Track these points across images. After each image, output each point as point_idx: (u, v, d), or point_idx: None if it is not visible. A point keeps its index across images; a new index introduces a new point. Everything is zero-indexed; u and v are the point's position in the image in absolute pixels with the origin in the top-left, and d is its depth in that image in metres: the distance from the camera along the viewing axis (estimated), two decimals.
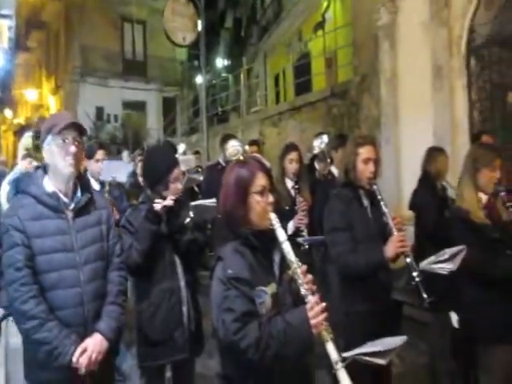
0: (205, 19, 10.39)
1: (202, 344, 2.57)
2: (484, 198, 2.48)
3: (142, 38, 19.70)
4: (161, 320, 2.40)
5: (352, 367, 1.47)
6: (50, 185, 1.95)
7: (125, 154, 7.85)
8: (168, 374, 2.55)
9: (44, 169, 1.99)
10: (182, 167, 5.39)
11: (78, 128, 1.95)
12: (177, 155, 6.13)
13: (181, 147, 7.09)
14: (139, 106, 19.76)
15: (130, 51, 19.56)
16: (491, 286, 2.39)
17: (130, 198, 4.18)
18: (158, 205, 2.39)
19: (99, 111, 18.11)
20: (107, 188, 3.91)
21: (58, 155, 1.91)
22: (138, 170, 6.44)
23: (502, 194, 2.44)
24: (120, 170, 4.26)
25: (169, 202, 2.42)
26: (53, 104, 21.68)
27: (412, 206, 3.81)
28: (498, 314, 2.36)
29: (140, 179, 6.15)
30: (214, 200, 2.69)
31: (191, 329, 2.46)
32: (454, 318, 2.84)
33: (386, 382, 2.51)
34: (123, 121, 18.82)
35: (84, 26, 18.23)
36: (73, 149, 1.91)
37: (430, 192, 3.57)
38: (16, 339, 3.88)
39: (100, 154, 3.65)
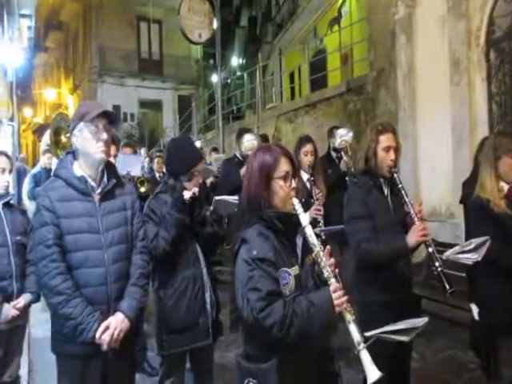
0: (220, 17, 10.40)
1: (220, 331, 2.61)
2: (506, 187, 2.45)
3: (158, 37, 19.90)
4: (186, 306, 2.44)
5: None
6: (78, 169, 2.04)
7: (142, 150, 8.08)
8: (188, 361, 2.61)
9: (73, 154, 2.07)
10: (215, 165, 5.67)
11: (108, 116, 2.04)
12: None
13: (197, 144, 7.19)
14: (155, 105, 19.98)
15: (146, 50, 19.80)
16: (509, 277, 2.35)
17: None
18: (187, 194, 2.45)
19: (116, 110, 18.26)
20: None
21: (91, 141, 1.98)
22: (155, 166, 6.57)
23: None
24: (135, 164, 4.51)
25: (196, 191, 2.49)
26: (71, 103, 22.04)
27: (463, 199, 3.65)
28: None
29: (157, 175, 6.27)
30: (236, 197, 2.75)
31: (213, 315, 2.51)
32: (475, 309, 2.81)
33: (404, 376, 2.48)
34: (139, 119, 19.05)
35: (101, 26, 18.54)
36: (105, 136, 2.00)
37: None
38: (38, 329, 4.01)
39: (112, 149, 3.77)
